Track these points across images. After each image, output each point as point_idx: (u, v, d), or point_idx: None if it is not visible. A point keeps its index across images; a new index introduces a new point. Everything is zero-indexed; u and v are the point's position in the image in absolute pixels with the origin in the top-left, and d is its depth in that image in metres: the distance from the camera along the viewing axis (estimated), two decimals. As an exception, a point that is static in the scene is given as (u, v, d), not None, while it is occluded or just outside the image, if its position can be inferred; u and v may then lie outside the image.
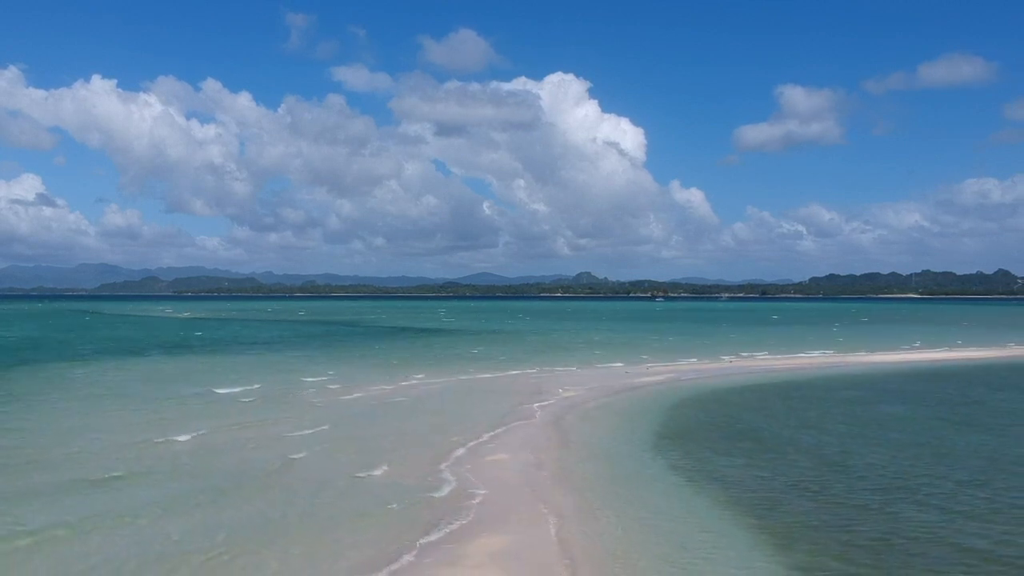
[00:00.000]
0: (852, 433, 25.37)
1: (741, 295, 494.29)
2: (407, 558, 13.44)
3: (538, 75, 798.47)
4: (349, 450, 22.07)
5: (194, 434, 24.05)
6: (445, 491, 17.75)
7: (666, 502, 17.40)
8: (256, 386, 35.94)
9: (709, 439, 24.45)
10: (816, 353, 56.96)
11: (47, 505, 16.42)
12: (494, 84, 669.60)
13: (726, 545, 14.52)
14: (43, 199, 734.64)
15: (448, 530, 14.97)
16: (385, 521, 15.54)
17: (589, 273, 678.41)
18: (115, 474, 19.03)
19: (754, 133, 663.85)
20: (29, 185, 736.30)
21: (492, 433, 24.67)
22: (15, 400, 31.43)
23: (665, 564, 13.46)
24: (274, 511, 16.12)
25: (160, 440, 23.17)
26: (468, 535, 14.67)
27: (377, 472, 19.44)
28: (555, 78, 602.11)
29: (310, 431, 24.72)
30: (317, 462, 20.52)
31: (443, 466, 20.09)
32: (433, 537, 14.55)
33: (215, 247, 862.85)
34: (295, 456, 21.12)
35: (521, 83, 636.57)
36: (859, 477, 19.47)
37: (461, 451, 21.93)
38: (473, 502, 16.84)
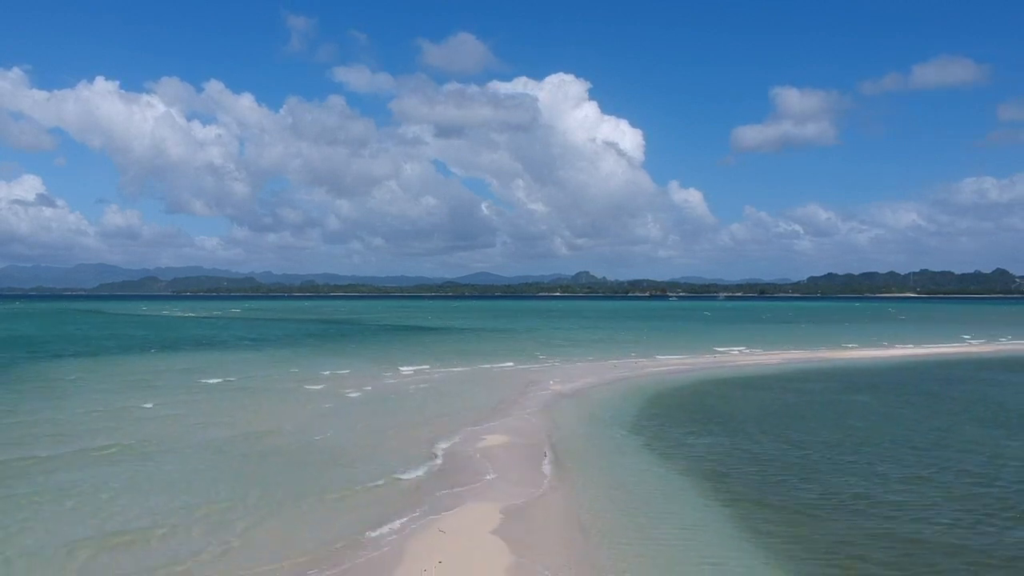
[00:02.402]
0: (812, 417, 28.09)
1: (740, 294, 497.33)
2: (412, 512, 16.07)
3: (537, 76, 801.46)
4: (358, 431, 24.70)
5: (221, 419, 26.78)
6: (443, 462, 20.42)
7: (636, 470, 20.07)
8: (270, 378, 38.72)
9: (682, 422, 27.13)
10: (793, 350, 59.75)
11: (104, 473, 19.10)
12: (493, 87, 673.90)
13: (682, 502, 17.18)
14: (43, 200, 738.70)
15: (445, 492, 17.57)
16: (396, 486, 18.16)
17: (588, 273, 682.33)
18: (158, 449, 21.72)
19: (751, 134, 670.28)
20: (29, 186, 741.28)
21: (486, 418, 27.28)
22: (59, 387, 34.13)
23: (625, 516, 16.11)
24: (294, 478, 18.79)
25: (193, 423, 25.87)
26: (462, 495, 17.31)
27: (384, 449, 22.09)
28: (554, 79, 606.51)
29: (319, 417, 27.42)
30: (330, 442, 23.16)
31: (442, 444, 22.71)
32: (437, 494, 17.20)
33: (214, 247, 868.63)
34: (310, 436, 23.80)
35: (521, 83, 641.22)
36: (809, 452, 22.14)
37: (458, 431, 24.57)
38: (467, 470, 19.46)
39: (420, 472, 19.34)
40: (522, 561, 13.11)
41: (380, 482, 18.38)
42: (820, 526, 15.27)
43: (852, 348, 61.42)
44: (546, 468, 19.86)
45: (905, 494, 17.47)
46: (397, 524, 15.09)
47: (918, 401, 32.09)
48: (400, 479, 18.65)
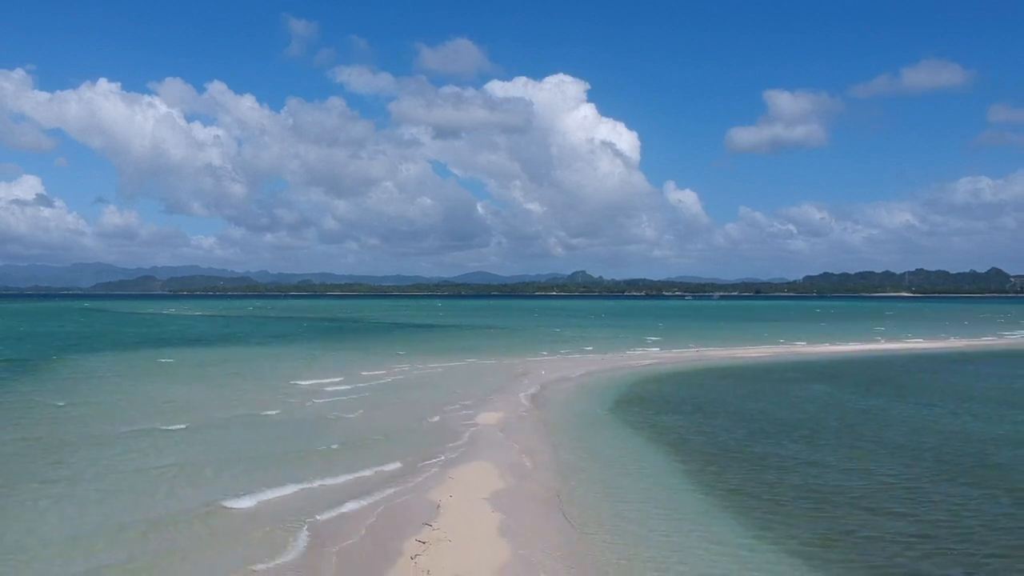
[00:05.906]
0: (771, 400, 31.91)
1: (735, 294, 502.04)
2: (424, 463, 19.82)
3: (536, 77, 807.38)
4: (370, 412, 28.42)
5: (251, 402, 30.66)
6: (446, 432, 24.19)
7: (610, 441, 23.85)
8: (284, 369, 42.60)
9: (656, 404, 30.94)
10: (771, 345, 63.71)
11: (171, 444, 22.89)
12: (489, 89, 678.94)
13: (645, 464, 20.88)
14: (41, 200, 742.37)
15: (448, 452, 21.31)
16: (410, 449, 21.93)
17: (584, 272, 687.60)
18: (211, 425, 25.52)
19: (745, 135, 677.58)
20: (28, 186, 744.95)
21: (482, 400, 31.03)
22: (95, 379, 37.87)
23: (596, 471, 19.88)
24: (318, 445, 22.57)
25: (234, 407, 29.70)
26: (462, 455, 21.05)
27: (394, 424, 25.83)
28: (553, 79, 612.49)
29: (329, 403, 31.24)
30: (347, 419, 26.92)
31: (445, 419, 26.51)
32: (442, 454, 20.95)
33: (211, 246, 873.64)
34: (329, 415, 27.61)
35: (520, 83, 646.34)
36: (762, 427, 25.95)
37: (458, 410, 28.36)
38: (464, 440, 23.19)
39: (429, 438, 23.14)
40: (510, 502, 16.89)
41: (398, 444, 22.17)
42: (750, 476, 19.11)
43: (822, 344, 65.31)
44: (532, 436, 23.64)
45: (836, 455, 21.33)
46: (414, 472, 18.89)
47: (867, 389, 35.91)
48: (414, 444, 22.41)
